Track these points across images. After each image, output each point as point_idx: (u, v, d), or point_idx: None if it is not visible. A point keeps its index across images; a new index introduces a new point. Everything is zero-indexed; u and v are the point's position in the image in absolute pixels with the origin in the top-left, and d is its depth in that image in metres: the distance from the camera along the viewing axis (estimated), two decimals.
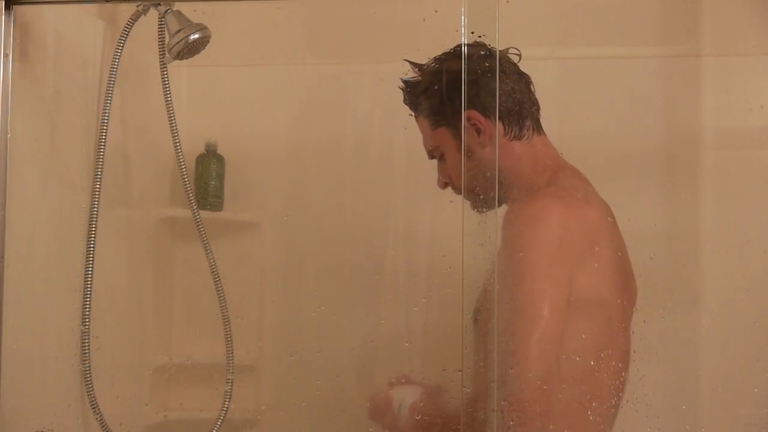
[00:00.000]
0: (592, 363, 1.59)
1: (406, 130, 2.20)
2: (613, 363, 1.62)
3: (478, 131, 1.67)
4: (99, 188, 1.86)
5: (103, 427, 1.87)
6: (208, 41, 1.88)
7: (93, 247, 1.84)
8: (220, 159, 2.31)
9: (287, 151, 2.34)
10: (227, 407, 2.12)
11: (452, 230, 1.80)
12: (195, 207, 2.09)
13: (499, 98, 1.66)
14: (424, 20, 2.16)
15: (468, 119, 1.65)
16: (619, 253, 1.64)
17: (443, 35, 2.15)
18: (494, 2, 1.76)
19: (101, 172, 1.86)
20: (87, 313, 1.84)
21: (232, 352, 2.12)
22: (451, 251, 1.82)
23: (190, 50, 1.87)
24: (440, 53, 1.71)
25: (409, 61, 1.73)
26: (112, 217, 2.03)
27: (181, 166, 2.06)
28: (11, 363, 1.65)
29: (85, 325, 1.83)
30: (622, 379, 1.63)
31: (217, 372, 2.15)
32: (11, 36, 1.65)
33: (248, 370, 2.27)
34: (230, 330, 2.12)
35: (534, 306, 1.53)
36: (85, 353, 1.83)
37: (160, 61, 1.95)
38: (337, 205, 2.30)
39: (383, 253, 2.28)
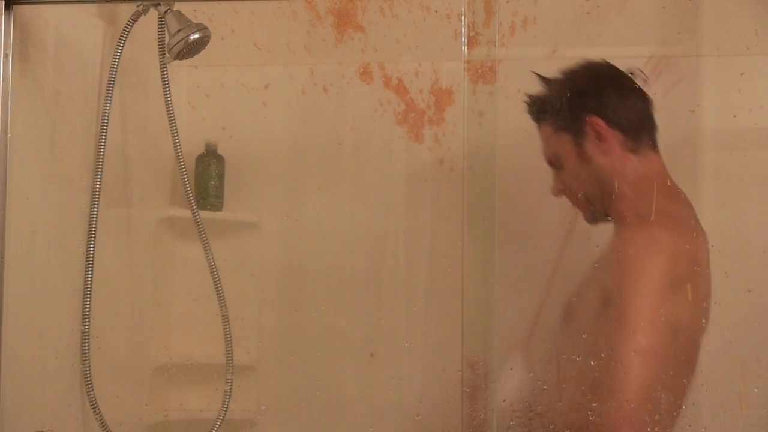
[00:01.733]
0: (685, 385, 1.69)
1: (407, 129, 2.20)
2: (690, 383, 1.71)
3: (600, 138, 1.74)
4: (99, 188, 1.86)
5: (103, 427, 1.87)
6: (208, 41, 1.88)
7: (93, 247, 1.84)
8: (220, 159, 2.31)
9: (287, 151, 2.34)
10: (227, 407, 2.12)
11: (452, 230, 1.80)
12: (195, 207, 2.09)
13: (620, 111, 1.75)
14: (424, 20, 2.17)
15: (590, 125, 1.73)
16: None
17: (443, 35, 2.16)
18: (494, 2, 1.76)
19: (101, 172, 1.86)
20: (87, 313, 1.84)
21: (231, 352, 2.12)
22: (451, 251, 1.82)
23: (190, 50, 1.86)
24: (567, 67, 1.81)
25: (536, 74, 1.81)
26: (112, 217, 2.03)
27: (181, 166, 2.06)
28: (11, 363, 1.65)
29: (85, 325, 1.83)
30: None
31: (217, 372, 2.15)
32: (11, 36, 1.65)
33: (248, 370, 2.27)
34: (230, 330, 2.12)
35: (642, 338, 1.61)
36: (85, 353, 1.83)
37: (160, 61, 1.95)
38: (336, 205, 2.30)
39: (383, 253, 2.28)
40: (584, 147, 1.75)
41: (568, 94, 1.78)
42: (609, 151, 1.74)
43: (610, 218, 1.76)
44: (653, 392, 1.59)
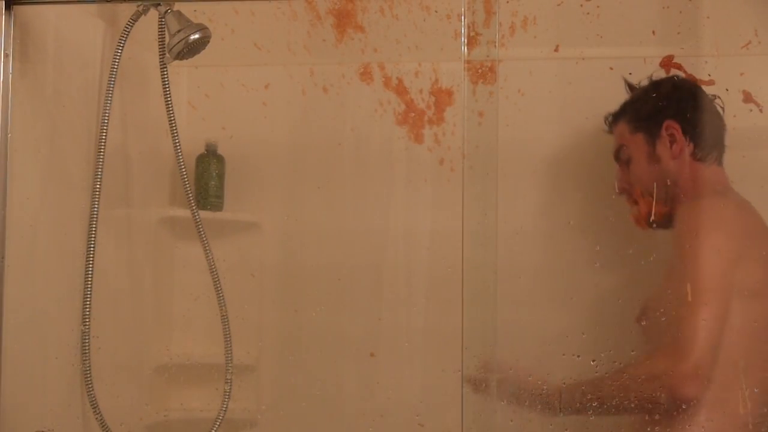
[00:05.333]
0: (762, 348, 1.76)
1: (407, 129, 2.20)
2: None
3: (672, 141, 1.86)
4: (99, 188, 1.86)
5: (103, 427, 1.87)
6: (208, 41, 1.88)
7: (93, 247, 1.84)
8: (220, 159, 2.31)
9: (287, 151, 2.34)
10: (226, 407, 2.12)
11: (452, 230, 1.80)
12: (195, 207, 2.09)
13: (696, 123, 1.88)
14: (424, 20, 2.17)
15: (666, 128, 1.86)
16: None
17: (443, 35, 2.16)
18: (494, 2, 1.76)
19: (101, 172, 1.86)
20: (87, 313, 1.84)
21: (231, 352, 2.12)
22: (451, 251, 1.82)
23: (190, 50, 1.86)
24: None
25: (624, 79, 1.98)
26: (112, 217, 2.03)
27: (181, 166, 2.06)
28: (11, 363, 1.65)
29: (85, 325, 1.83)
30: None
31: (217, 372, 2.15)
32: (11, 36, 1.65)
33: (248, 370, 2.27)
34: (229, 330, 2.12)
35: (707, 295, 1.70)
36: (85, 353, 1.83)
37: (160, 61, 1.95)
38: (337, 205, 2.30)
39: (383, 253, 2.28)
40: (656, 148, 1.87)
41: (654, 99, 1.92)
42: (678, 155, 1.85)
43: (666, 223, 1.85)
44: (727, 358, 1.68)
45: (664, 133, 1.86)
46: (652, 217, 1.86)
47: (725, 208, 1.83)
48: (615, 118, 1.97)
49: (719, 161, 1.89)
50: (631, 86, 1.97)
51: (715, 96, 1.91)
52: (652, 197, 1.86)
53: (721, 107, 1.91)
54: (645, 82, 1.96)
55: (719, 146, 1.89)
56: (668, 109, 1.89)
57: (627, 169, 1.93)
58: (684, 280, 1.71)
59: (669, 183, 1.86)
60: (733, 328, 1.69)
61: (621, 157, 1.94)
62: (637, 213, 1.90)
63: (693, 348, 1.66)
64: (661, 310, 1.75)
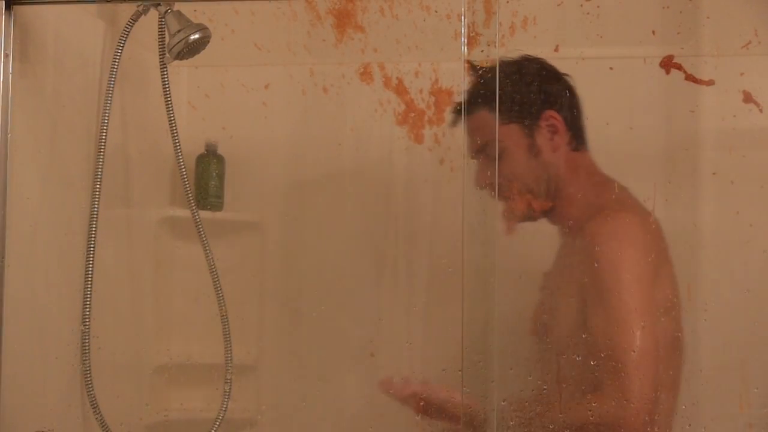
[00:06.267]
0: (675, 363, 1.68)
1: (407, 129, 2.20)
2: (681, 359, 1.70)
3: (554, 132, 1.72)
4: (99, 188, 1.86)
5: (103, 427, 1.87)
6: (208, 41, 1.88)
7: (93, 247, 1.84)
8: (220, 159, 2.31)
9: (287, 152, 2.34)
10: (226, 407, 2.12)
11: (452, 230, 1.80)
12: (195, 207, 2.09)
13: (569, 109, 1.74)
14: (424, 20, 2.17)
15: (546, 118, 1.71)
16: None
17: (443, 35, 2.16)
18: (494, 2, 1.76)
19: (101, 172, 1.86)
20: (87, 313, 1.84)
21: (230, 352, 2.12)
22: (451, 251, 1.82)
23: (190, 50, 1.86)
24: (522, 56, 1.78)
25: (470, 63, 1.75)
26: (112, 217, 2.03)
27: (181, 166, 2.06)
28: (11, 363, 1.65)
29: (85, 325, 1.83)
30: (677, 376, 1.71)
31: (217, 372, 2.15)
32: (11, 36, 1.65)
33: (248, 370, 2.27)
34: (229, 330, 2.12)
35: (634, 324, 1.58)
36: (85, 353, 1.83)
37: (160, 61, 1.95)
38: (337, 205, 2.30)
39: (383, 253, 2.28)
40: (535, 140, 1.72)
41: (524, 85, 1.75)
42: (559, 147, 1.72)
43: (547, 217, 1.73)
44: (654, 390, 1.58)
45: (543, 123, 1.72)
46: (533, 214, 1.73)
47: (637, 224, 1.69)
48: (472, 108, 1.75)
49: (587, 145, 1.77)
50: (475, 68, 1.74)
51: (566, 74, 1.78)
52: (532, 193, 1.72)
53: (572, 85, 1.77)
54: (489, 64, 1.73)
55: (583, 126, 1.77)
56: (542, 95, 1.74)
57: (492, 163, 1.72)
58: (602, 301, 1.60)
59: (550, 176, 1.72)
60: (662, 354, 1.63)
61: (488, 152, 1.73)
62: (510, 210, 1.75)
63: (640, 389, 1.55)
64: (566, 326, 1.65)
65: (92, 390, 1.84)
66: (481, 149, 1.75)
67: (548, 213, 1.74)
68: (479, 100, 1.74)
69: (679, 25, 2.10)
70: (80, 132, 1.90)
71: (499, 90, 1.70)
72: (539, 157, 1.72)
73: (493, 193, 1.75)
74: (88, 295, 1.83)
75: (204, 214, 2.15)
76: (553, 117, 1.72)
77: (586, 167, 1.75)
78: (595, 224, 1.68)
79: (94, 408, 1.85)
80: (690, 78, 1.97)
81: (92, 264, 1.84)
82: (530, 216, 1.74)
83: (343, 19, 2.21)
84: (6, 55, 1.64)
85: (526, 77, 1.75)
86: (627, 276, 1.62)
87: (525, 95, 1.74)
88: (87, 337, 1.83)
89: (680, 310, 1.69)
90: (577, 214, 1.72)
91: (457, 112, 1.78)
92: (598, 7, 2.08)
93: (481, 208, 1.77)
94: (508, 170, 1.73)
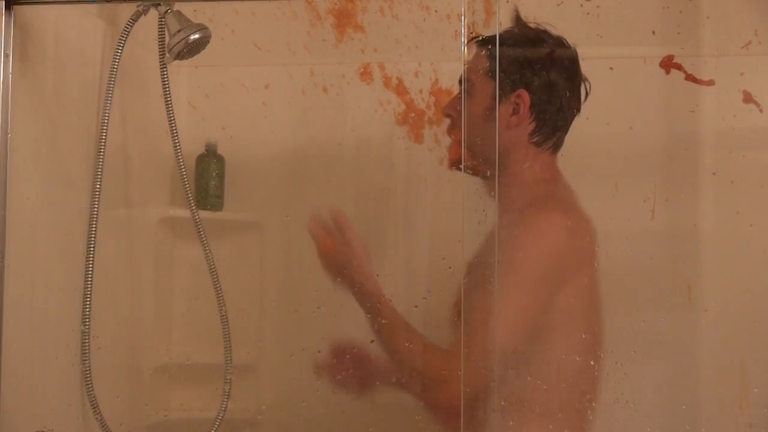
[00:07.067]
0: (590, 363, 1.66)
1: (407, 129, 2.20)
2: (595, 363, 1.68)
3: (515, 112, 1.70)
4: (99, 188, 1.86)
5: (103, 427, 1.87)
6: (208, 41, 1.88)
7: (93, 247, 1.84)
8: (220, 159, 2.31)
9: (287, 151, 2.34)
10: (226, 407, 2.12)
11: (452, 230, 1.80)
12: (194, 207, 2.09)
13: (549, 105, 1.71)
14: (424, 20, 2.17)
15: (516, 96, 1.69)
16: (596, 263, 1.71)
17: (443, 35, 2.16)
18: (494, 2, 1.76)
19: (101, 172, 1.86)
20: (87, 313, 1.84)
21: (230, 352, 2.12)
22: (451, 251, 1.82)
23: (190, 50, 1.86)
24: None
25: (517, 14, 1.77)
26: (112, 217, 2.02)
27: (181, 166, 2.06)
28: (11, 363, 1.65)
29: (85, 325, 1.83)
30: (597, 378, 1.69)
31: (217, 372, 2.15)
32: (11, 36, 1.65)
33: (248, 370, 2.27)
34: (228, 330, 2.12)
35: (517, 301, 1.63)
36: (85, 353, 1.83)
37: (160, 61, 1.95)
38: (336, 205, 2.30)
39: (383, 253, 2.28)
40: (498, 106, 1.71)
41: (525, 58, 1.73)
42: (514, 126, 1.71)
43: (486, 184, 1.73)
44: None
45: (512, 98, 1.70)
46: (461, 165, 1.72)
47: (564, 229, 1.67)
48: (483, 44, 1.75)
49: (555, 149, 1.74)
50: (522, 22, 1.77)
51: (586, 78, 1.77)
52: (469, 148, 1.71)
53: (586, 92, 1.76)
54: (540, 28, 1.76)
55: (561, 133, 1.74)
56: (532, 75, 1.71)
57: (467, 97, 1.74)
58: (497, 293, 1.63)
59: (492, 146, 1.70)
60: (552, 359, 1.63)
61: (465, 88, 1.74)
62: (450, 148, 1.78)
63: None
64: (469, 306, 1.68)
65: (92, 390, 1.84)
66: (462, 79, 1.76)
67: (486, 179, 1.73)
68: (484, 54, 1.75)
69: (679, 25, 2.10)
70: (80, 132, 1.90)
71: (501, 52, 1.72)
72: (491, 123, 1.70)
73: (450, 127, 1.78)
74: (88, 295, 1.83)
75: (204, 214, 2.15)
76: (521, 98, 1.70)
77: (541, 161, 1.72)
78: (524, 215, 1.70)
79: (94, 408, 1.85)
80: (690, 78, 1.96)
81: (92, 264, 1.84)
82: (460, 167, 1.74)
83: (343, 19, 2.21)
84: (6, 55, 1.64)
85: (540, 52, 1.74)
86: (525, 272, 1.64)
87: (520, 66, 1.72)
88: (87, 337, 1.83)
89: (597, 321, 1.68)
90: (516, 196, 1.72)
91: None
92: (598, 7, 2.08)
93: (482, 207, 1.77)
94: (467, 112, 1.74)
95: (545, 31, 1.77)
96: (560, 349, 1.64)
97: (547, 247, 1.66)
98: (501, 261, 1.65)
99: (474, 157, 1.72)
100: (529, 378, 1.64)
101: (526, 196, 1.72)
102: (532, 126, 1.71)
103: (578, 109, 1.76)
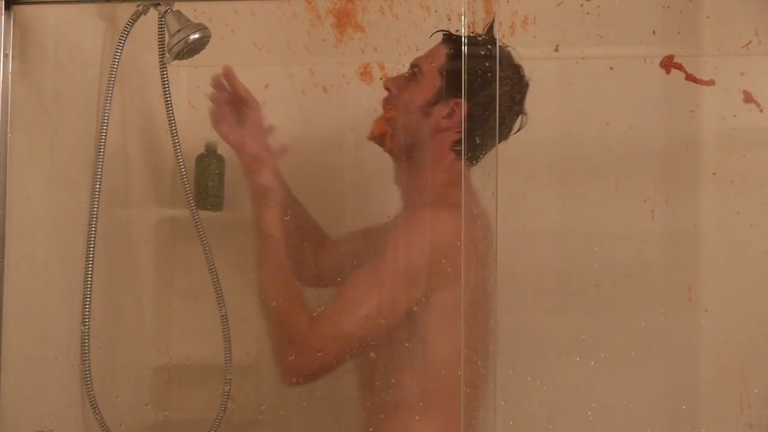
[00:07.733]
0: (475, 362, 1.70)
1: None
2: (483, 363, 1.71)
3: (449, 116, 1.73)
4: (99, 188, 1.86)
5: (102, 427, 1.87)
6: (208, 41, 1.88)
7: (93, 247, 1.84)
8: (220, 159, 2.31)
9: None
10: (226, 407, 2.12)
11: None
12: (194, 207, 2.09)
13: (483, 123, 1.72)
14: (424, 20, 2.17)
15: (454, 103, 1.72)
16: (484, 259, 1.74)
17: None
18: (494, 2, 1.76)
19: (101, 172, 1.86)
20: (87, 313, 1.84)
21: (230, 352, 2.12)
22: (451, 251, 1.81)
23: (190, 50, 1.86)
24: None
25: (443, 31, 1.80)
26: (112, 217, 2.02)
27: (180, 166, 2.05)
28: (11, 363, 1.65)
29: (85, 325, 1.83)
30: (480, 376, 1.72)
31: (217, 372, 2.15)
32: (11, 36, 1.65)
33: (248, 370, 2.27)
34: (229, 330, 2.12)
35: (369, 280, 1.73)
36: (85, 353, 1.83)
37: (160, 61, 1.95)
38: (337, 205, 2.30)
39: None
40: (434, 105, 1.75)
41: (485, 68, 1.73)
42: (440, 130, 1.74)
43: (396, 166, 1.79)
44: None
45: (451, 102, 1.72)
46: (382, 143, 1.78)
47: (449, 226, 1.68)
48: (448, 41, 1.78)
49: (471, 163, 1.76)
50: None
51: (525, 113, 1.79)
52: (395, 131, 1.76)
53: (520, 125, 1.78)
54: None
55: (482, 153, 1.76)
56: (479, 89, 1.71)
57: (410, 82, 1.79)
58: (371, 270, 1.70)
59: (416, 137, 1.74)
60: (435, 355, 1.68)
61: (413, 72, 1.79)
62: (375, 122, 1.82)
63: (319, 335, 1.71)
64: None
65: (92, 390, 1.84)
66: (415, 64, 1.80)
67: (398, 164, 1.78)
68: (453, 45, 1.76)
69: (679, 25, 2.10)
70: (80, 132, 1.90)
71: (468, 56, 1.71)
72: (422, 117, 1.74)
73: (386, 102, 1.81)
74: (88, 295, 1.83)
75: (204, 214, 2.14)
76: (459, 106, 1.72)
77: (454, 169, 1.74)
78: (417, 210, 1.73)
79: (94, 408, 1.85)
80: (690, 78, 1.96)
81: (92, 264, 1.83)
82: (380, 143, 1.80)
83: (343, 19, 2.21)
84: (6, 55, 1.64)
85: (493, 70, 1.74)
86: (390, 258, 1.71)
87: (473, 74, 1.72)
88: (87, 337, 1.83)
89: (483, 321, 1.72)
90: (416, 190, 1.76)
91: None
92: (598, 7, 2.08)
93: (481, 207, 1.77)
94: (404, 94, 1.78)
95: (509, 55, 1.78)
96: (436, 345, 1.70)
97: (426, 243, 1.68)
98: (377, 248, 1.70)
99: (396, 140, 1.76)
100: (403, 373, 1.73)
101: (425, 193, 1.74)
102: (459, 136, 1.72)
103: (506, 137, 1.77)
